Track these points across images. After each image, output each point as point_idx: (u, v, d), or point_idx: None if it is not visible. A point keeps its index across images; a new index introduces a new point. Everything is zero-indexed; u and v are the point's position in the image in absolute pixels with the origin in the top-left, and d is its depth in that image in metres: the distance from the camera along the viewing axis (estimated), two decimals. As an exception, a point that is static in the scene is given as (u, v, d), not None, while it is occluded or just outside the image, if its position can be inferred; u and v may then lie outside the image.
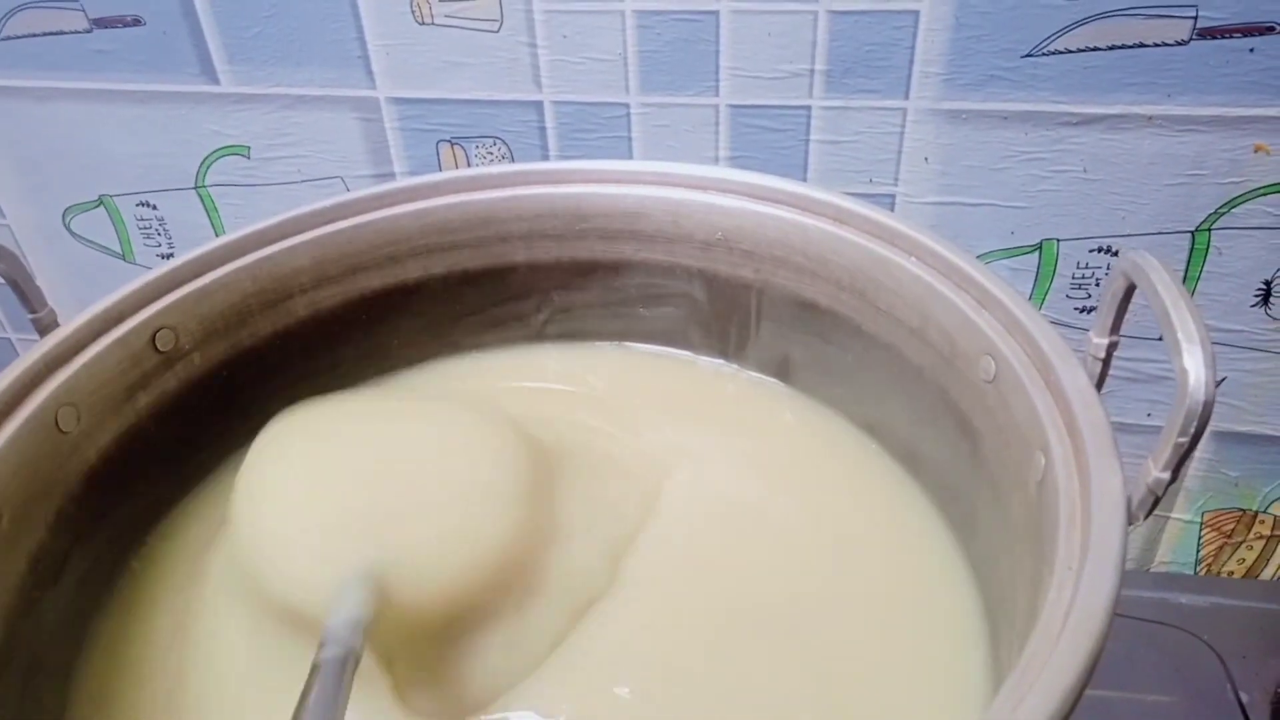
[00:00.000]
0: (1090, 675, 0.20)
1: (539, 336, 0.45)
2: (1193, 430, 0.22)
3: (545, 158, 0.52)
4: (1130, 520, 0.24)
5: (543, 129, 0.51)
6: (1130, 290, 0.27)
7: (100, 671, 0.31)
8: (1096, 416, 0.26)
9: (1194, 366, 0.22)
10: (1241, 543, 0.60)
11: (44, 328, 0.34)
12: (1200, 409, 0.22)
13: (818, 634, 0.31)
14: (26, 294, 0.33)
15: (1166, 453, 0.23)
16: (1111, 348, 0.28)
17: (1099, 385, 0.28)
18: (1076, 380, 0.27)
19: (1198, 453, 0.56)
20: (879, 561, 0.33)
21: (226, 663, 0.30)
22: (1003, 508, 0.30)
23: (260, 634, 0.32)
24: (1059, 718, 0.19)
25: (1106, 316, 0.27)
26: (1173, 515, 0.59)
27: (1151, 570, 0.60)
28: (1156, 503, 0.24)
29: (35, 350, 0.32)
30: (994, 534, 0.31)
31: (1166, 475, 0.23)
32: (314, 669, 0.22)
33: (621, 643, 0.30)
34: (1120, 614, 0.48)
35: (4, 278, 0.32)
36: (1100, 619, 0.21)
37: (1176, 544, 0.60)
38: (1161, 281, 0.24)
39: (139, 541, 0.36)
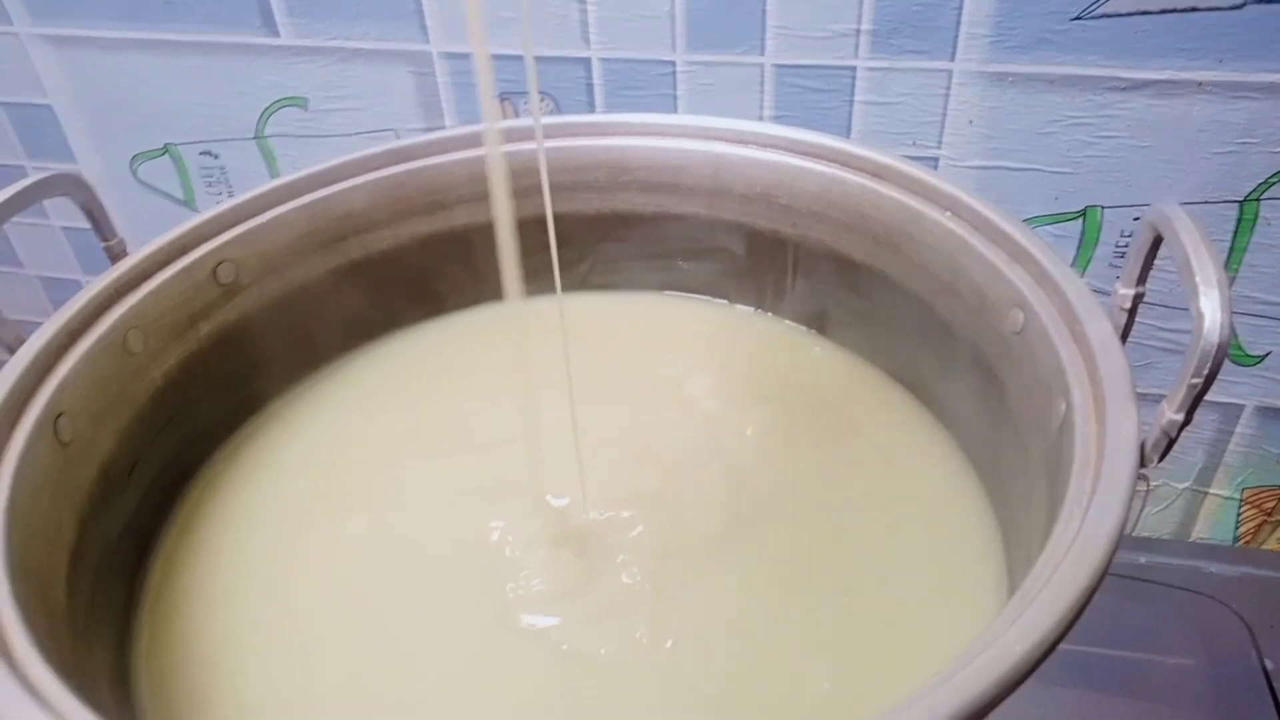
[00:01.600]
0: (1088, 600, 0.21)
1: (581, 285, 0.46)
2: (1206, 372, 0.23)
3: (592, 114, 0.53)
4: (1144, 462, 0.25)
5: (590, 85, 0.52)
6: (1157, 242, 0.27)
7: (162, 573, 0.34)
8: (1117, 365, 0.26)
9: (1210, 309, 0.22)
10: (1281, 521, 0.59)
11: (115, 255, 0.36)
12: (1214, 350, 0.22)
13: (841, 558, 0.32)
14: (99, 222, 0.35)
15: (1180, 394, 0.23)
16: (1137, 299, 0.28)
17: (1124, 336, 0.28)
18: (1101, 330, 0.28)
19: (1239, 428, 0.55)
20: (904, 498, 0.34)
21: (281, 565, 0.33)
22: (1024, 452, 0.30)
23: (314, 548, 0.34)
24: (1053, 633, 0.20)
25: (1133, 267, 0.28)
26: (1211, 490, 0.58)
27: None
28: (1170, 445, 0.25)
29: (107, 275, 0.34)
30: (1015, 476, 0.31)
31: (1180, 417, 0.24)
32: None
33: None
34: (1150, 580, 0.49)
35: (80, 207, 0.35)
36: (1101, 548, 0.21)
37: (1215, 520, 0.60)
38: (1185, 229, 0.24)
39: (199, 461, 0.38)
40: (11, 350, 0.31)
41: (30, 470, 0.28)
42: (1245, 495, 0.58)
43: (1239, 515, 0.59)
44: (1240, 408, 0.54)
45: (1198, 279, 0.23)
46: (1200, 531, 0.61)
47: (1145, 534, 0.59)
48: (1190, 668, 0.44)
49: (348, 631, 0.31)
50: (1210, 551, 0.53)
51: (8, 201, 0.31)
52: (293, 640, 0.31)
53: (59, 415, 0.30)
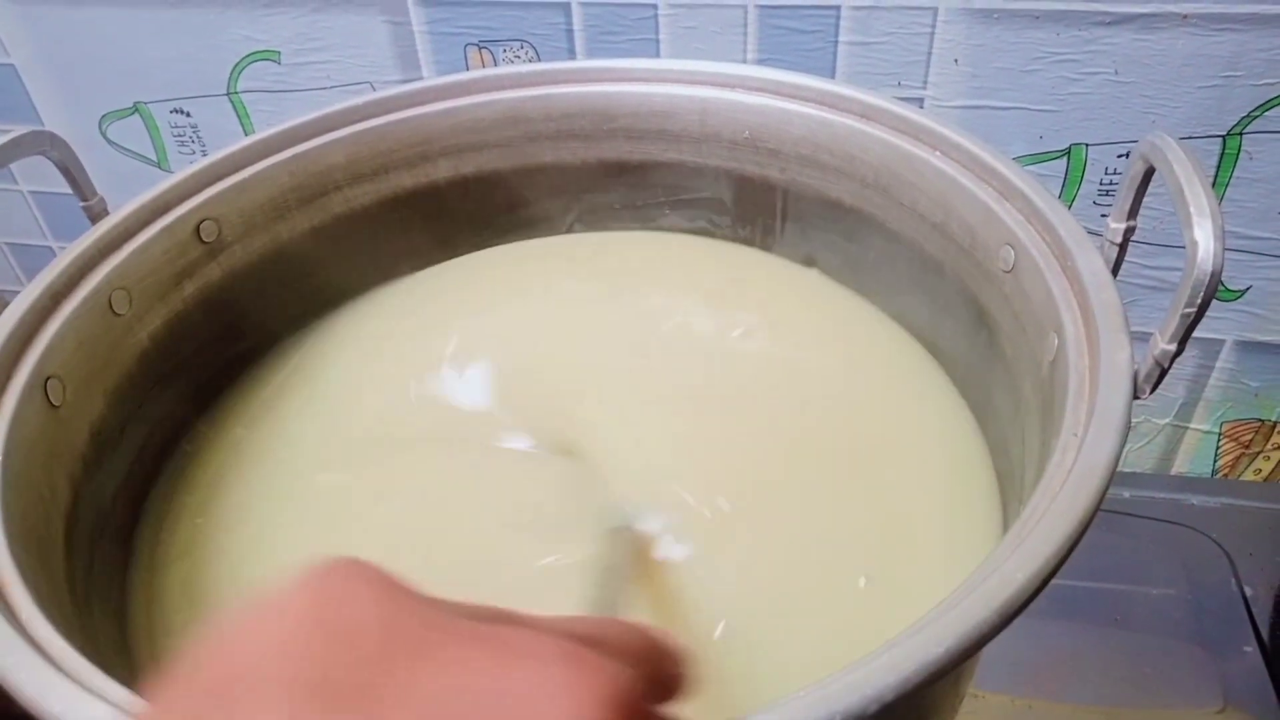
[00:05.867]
0: (1085, 527, 0.21)
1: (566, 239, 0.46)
2: (1199, 300, 0.23)
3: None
4: (1137, 393, 0.25)
5: (570, 31, 0.51)
6: (1148, 174, 0.27)
7: (153, 535, 0.34)
8: (1109, 297, 0.27)
9: (1203, 238, 0.22)
10: (1259, 453, 0.60)
11: (95, 215, 0.35)
12: (1208, 279, 0.22)
13: (835, 499, 0.32)
14: (78, 181, 0.34)
15: (1173, 323, 0.24)
16: (1128, 233, 0.28)
17: (1115, 270, 0.28)
18: (1092, 264, 0.28)
19: (1219, 363, 0.56)
20: (900, 433, 0.35)
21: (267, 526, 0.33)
22: (1016, 388, 0.31)
23: (308, 507, 0.34)
24: (1053, 561, 0.20)
25: (1124, 201, 0.28)
26: (1191, 425, 0.60)
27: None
28: (1163, 375, 0.25)
29: (89, 235, 0.33)
30: (1007, 413, 0.32)
31: (1173, 347, 0.24)
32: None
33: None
34: (1132, 514, 0.50)
35: (57, 166, 0.34)
36: (1099, 476, 0.22)
37: (1194, 454, 0.61)
38: (1177, 160, 0.24)
39: (187, 421, 0.38)
40: (-6, 314, 0.31)
41: (23, 434, 0.28)
42: (1224, 429, 0.59)
43: (1218, 449, 0.61)
44: (1220, 343, 0.55)
45: (1191, 208, 0.23)
46: (1180, 466, 0.62)
47: (1126, 469, 0.61)
48: (1173, 596, 0.45)
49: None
50: (1190, 484, 0.54)
51: (-18, 161, 0.30)
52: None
53: (48, 378, 0.30)
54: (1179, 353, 0.24)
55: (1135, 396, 0.25)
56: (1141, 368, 0.25)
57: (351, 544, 0.32)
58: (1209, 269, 0.22)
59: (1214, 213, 0.23)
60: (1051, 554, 0.20)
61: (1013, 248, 0.31)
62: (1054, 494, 0.22)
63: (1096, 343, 0.26)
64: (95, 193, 0.35)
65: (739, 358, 0.38)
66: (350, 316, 0.42)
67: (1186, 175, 0.24)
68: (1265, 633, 0.43)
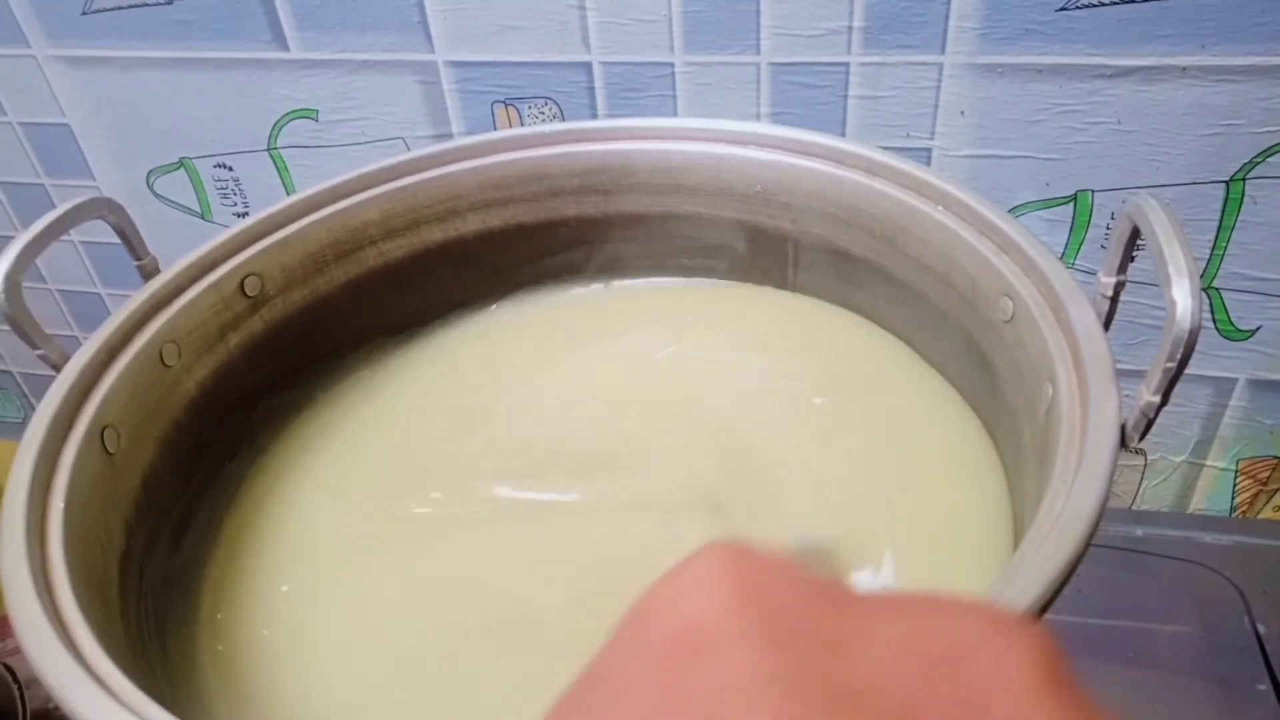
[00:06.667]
0: (1072, 570, 0.23)
1: (589, 286, 0.48)
2: (1180, 356, 0.24)
3: (594, 117, 0.55)
4: (1125, 442, 0.26)
5: (592, 89, 0.54)
6: (1135, 233, 0.28)
7: (195, 572, 0.36)
8: (1100, 350, 0.28)
9: (1182, 297, 0.24)
10: (1277, 489, 0.61)
11: (147, 273, 0.38)
12: (1186, 336, 0.24)
13: (857, 524, 0.34)
14: (132, 242, 0.37)
15: (1156, 377, 0.25)
16: (1119, 287, 0.30)
17: (1107, 323, 0.30)
18: (1085, 317, 0.29)
19: (1232, 401, 0.57)
20: (926, 461, 0.36)
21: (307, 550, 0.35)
22: (1017, 434, 0.32)
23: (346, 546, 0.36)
24: (1040, 601, 0.22)
25: (1114, 257, 0.29)
26: (1208, 463, 0.60)
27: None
28: (1150, 425, 0.26)
29: (141, 293, 0.36)
30: (1011, 457, 0.33)
31: (1157, 399, 0.25)
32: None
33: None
34: (1146, 552, 0.50)
35: (113, 228, 0.36)
36: (1085, 523, 0.23)
37: (1212, 491, 0.62)
38: (1159, 221, 0.26)
39: (232, 465, 0.40)
40: (57, 368, 0.33)
41: (82, 481, 0.30)
42: (1241, 466, 0.60)
43: (1235, 486, 0.61)
44: (1233, 381, 0.56)
45: (1170, 268, 0.24)
46: (1198, 503, 0.62)
47: (1145, 507, 0.61)
48: (1186, 635, 0.46)
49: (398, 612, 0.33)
50: (1204, 522, 0.55)
51: (49, 227, 0.33)
52: (343, 625, 0.33)
53: (105, 428, 0.32)
54: (1163, 404, 0.26)
55: (1124, 445, 0.26)
56: (1130, 418, 0.26)
57: (387, 601, 0.34)
58: (1187, 326, 0.24)
59: (1192, 272, 0.24)
60: (1035, 599, 0.22)
61: (1011, 299, 0.33)
62: (1043, 539, 0.23)
63: (1087, 393, 0.27)
64: (148, 252, 0.38)
65: (775, 399, 0.40)
66: (384, 366, 0.45)
67: (1166, 236, 0.25)
68: (1278, 671, 0.44)
